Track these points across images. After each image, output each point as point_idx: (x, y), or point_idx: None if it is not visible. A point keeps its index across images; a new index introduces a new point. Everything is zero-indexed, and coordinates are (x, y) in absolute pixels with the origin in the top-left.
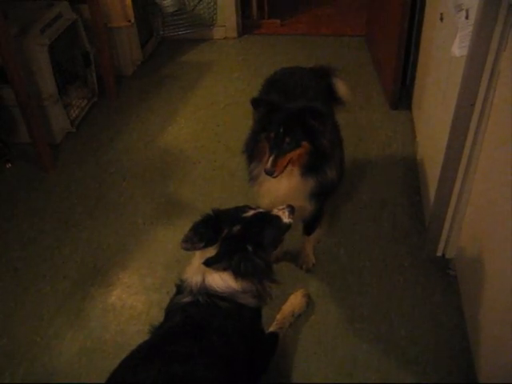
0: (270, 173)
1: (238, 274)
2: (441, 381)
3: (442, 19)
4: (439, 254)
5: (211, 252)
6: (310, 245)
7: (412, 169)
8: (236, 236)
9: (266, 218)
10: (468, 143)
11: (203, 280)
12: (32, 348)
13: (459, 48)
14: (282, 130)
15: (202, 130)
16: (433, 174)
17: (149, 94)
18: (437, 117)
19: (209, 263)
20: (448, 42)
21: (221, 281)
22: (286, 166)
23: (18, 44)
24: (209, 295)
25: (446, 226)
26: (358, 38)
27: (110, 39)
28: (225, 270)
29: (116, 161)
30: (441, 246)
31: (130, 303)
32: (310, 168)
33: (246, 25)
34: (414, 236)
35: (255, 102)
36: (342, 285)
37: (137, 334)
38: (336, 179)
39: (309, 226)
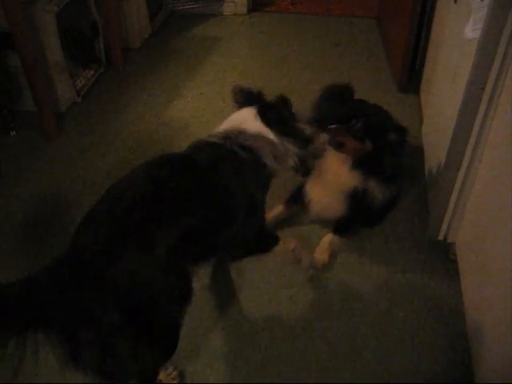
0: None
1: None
2: (435, 362)
3: (455, 1)
4: (441, 237)
5: None
6: (331, 242)
7: (417, 152)
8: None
9: None
10: (476, 127)
11: (240, 124)
12: None
13: (472, 30)
14: (361, 122)
15: (208, 106)
16: (438, 157)
17: (155, 67)
18: (445, 101)
19: (262, 110)
20: (461, 25)
21: (257, 126)
22: (348, 149)
23: (26, 10)
24: (236, 143)
25: (449, 210)
26: (369, 20)
27: (118, 10)
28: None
29: (120, 132)
30: (443, 229)
31: None
32: (361, 164)
33: (256, 2)
34: (416, 219)
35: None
36: (342, 265)
37: None
38: (384, 200)
39: (341, 225)
